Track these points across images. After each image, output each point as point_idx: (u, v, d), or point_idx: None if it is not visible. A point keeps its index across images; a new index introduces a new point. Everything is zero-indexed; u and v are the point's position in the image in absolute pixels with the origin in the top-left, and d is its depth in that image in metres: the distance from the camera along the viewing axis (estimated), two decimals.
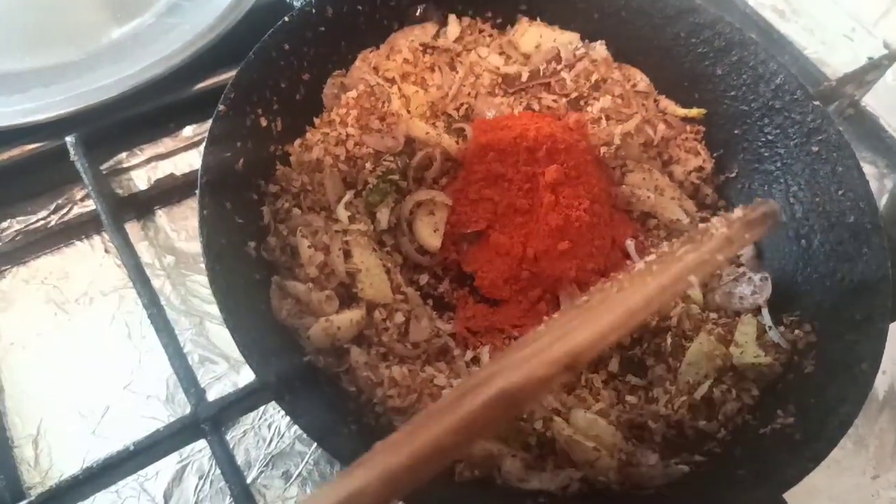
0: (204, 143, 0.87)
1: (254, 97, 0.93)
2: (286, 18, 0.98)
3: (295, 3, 1.15)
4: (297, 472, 1.01)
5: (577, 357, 0.55)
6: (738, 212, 0.68)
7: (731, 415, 0.87)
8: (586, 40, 1.15)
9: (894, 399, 1.14)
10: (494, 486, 0.82)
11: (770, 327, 0.94)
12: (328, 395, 0.83)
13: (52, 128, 1.11)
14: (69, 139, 1.09)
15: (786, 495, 0.79)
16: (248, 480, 0.98)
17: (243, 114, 0.92)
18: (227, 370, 1.07)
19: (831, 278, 0.92)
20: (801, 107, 1.01)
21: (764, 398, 0.89)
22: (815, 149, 0.99)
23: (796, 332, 0.92)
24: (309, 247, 0.89)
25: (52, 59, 1.21)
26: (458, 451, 0.51)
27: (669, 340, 0.95)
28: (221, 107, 0.88)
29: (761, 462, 0.80)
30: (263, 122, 0.95)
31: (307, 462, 1.01)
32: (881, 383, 1.14)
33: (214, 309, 1.13)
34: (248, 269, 0.87)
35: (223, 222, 0.84)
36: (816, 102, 1.00)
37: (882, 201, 1.33)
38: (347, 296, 0.90)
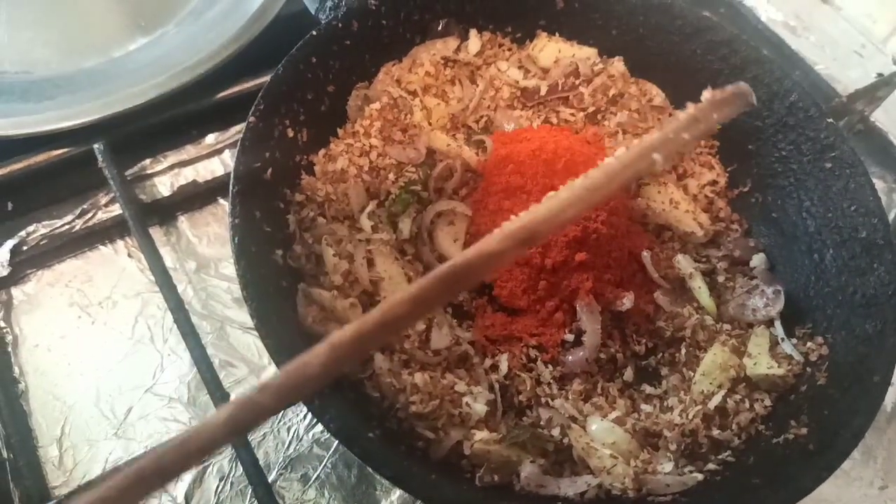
0: (229, 152, 0.89)
1: (282, 108, 0.96)
2: (314, 32, 1.00)
3: (321, 17, 1.17)
4: (315, 475, 1.02)
5: (533, 231, 0.53)
6: (706, 93, 0.64)
7: (744, 424, 0.89)
8: (604, 56, 1.17)
9: None
10: (513, 491, 0.84)
11: (783, 339, 0.96)
12: (352, 400, 0.85)
13: (82, 134, 1.13)
14: (97, 146, 1.11)
15: None
16: (270, 481, 1.00)
17: (272, 124, 0.94)
18: (247, 374, 1.09)
19: (843, 292, 0.94)
20: (815, 124, 1.03)
21: (777, 409, 0.91)
22: (828, 165, 1.01)
23: (809, 344, 0.94)
24: (333, 255, 0.92)
25: (80, 66, 1.24)
26: (408, 322, 0.51)
27: (684, 351, 0.97)
28: (252, 118, 0.91)
29: (775, 471, 0.82)
30: (290, 133, 0.97)
31: (325, 465, 1.03)
32: (890, 395, 1.16)
33: (235, 314, 1.15)
34: (275, 276, 0.89)
35: (253, 231, 0.86)
36: (830, 120, 1.02)
37: (891, 216, 1.35)
38: (370, 303, 0.92)
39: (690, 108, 0.63)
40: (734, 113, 0.65)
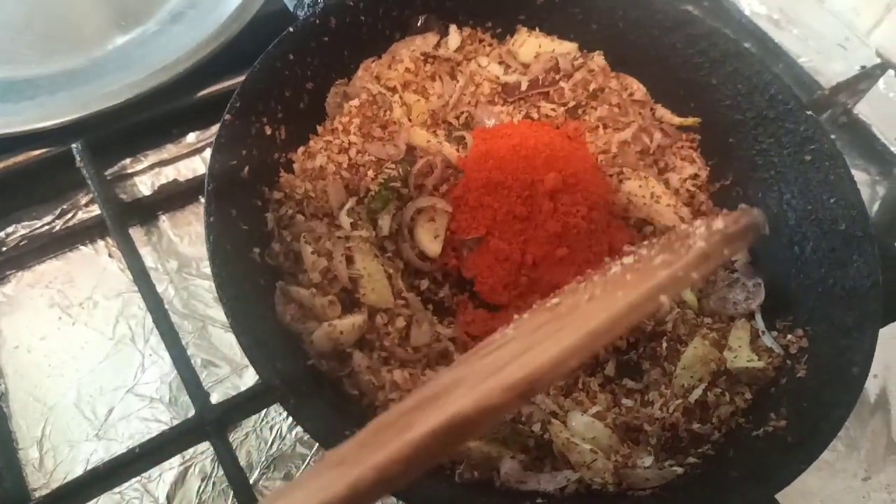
0: (210, 151, 0.89)
1: (259, 106, 0.95)
2: (291, 29, 1.00)
3: (299, 14, 1.16)
4: (298, 474, 1.02)
5: (534, 383, 0.50)
6: (719, 221, 0.61)
7: (724, 418, 0.89)
8: (584, 50, 1.17)
9: (886, 402, 1.15)
10: (493, 487, 0.83)
11: (763, 332, 0.96)
12: (331, 398, 0.84)
13: (60, 134, 1.12)
14: (75, 145, 1.10)
15: (778, 497, 0.81)
16: (250, 482, 1.00)
17: (248, 122, 0.94)
18: (229, 373, 1.08)
19: (823, 284, 0.94)
20: (795, 116, 1.03)
21: (757, 401, 0.91)
22: (808, 158, 1.01)
23: (789, 336, 0.94)
24: (312, 253, 0.91)
25: (59, 66, 1.24)
26: (400, 483, 0.46)
27: (665, 345, 0.97)
28: (228, 115, 0.90)
29: (754, 464, 0.82)
30: (268, 131, 0.97)
31: (308, 464, 1.03)
32: (872, 386, 1.16)
33: (216, 313, 1.15)
34: (252, 274, 0.89)
35: (229, 229, 0.85)
36: (810, 112, 1.02)
37: (874, 208, 1.35)
38: (350, 301, 0.92)
39: (700, 242, 0.59)
40: (745, 246, 0.62)
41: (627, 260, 0.65)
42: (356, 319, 0.89)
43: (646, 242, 0.70)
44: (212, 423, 0.90)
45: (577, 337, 0.53)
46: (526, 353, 0.54)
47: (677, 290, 0.57)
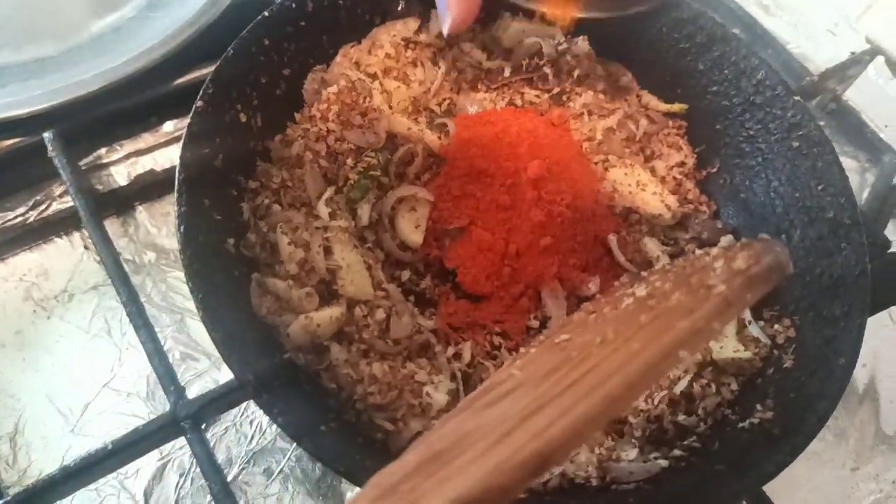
0: (182, 140, 0.86)
1: (233, 93, 0.92)
2: (266, 13, 0.97)
3: None
4: (278, 469, 1.00)
5: (548, 459, 0.47)
6: (740, 261, 0.55)
7: (710, 409, 0.88)
8: (568, 35, 1.14)
9: (874, 392, 1.15)
10: None
11: (750, 322, 0.94)
12: (308, 392, 0.82)
13: (30, 123, 1.09)
14: (47, 135, 1.07)
15: (766, 488, 0.80)
16: (230, 477, 0.98)
17: (222, 109, 0.91)
18: (208, 367, 1.06)
19: (811, 273, 0.93)
20: (782, 102, 1.01)
21: (743, 392, 0.89)
22: (795, 144, 0.99)
23: (776, 326, 0.92)
24: (289, 243, 0.89)
25: (31, 53, 1.20)
26: None
27: None
28: (200, 103, 0.87)
29: (740, 456, 0.80)
30: (243, 118, 0.94)
31: (289, 458, 1.01)
32: (861, 376, 1.15)
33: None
34: (227, 266, 0.86)
35: (201, 219, 0.83)
36: (797, 98, 1.00)
37: (864, 195, 1.34)
38: (328, 293, 0.89)
39: (721, 285, 0.54)
40: (769, 288, 0.56)
41: (640, 292, 0.61)
42: (334, 311, 0.87)
43: (658, 267, 0.65)
44: (187, 419, 0.88)
45: (593, 403, 0.49)
46: (537, 414, 0.50)
47: (698, 344, 0.53)
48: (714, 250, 0.61)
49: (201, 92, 0.88)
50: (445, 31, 1.01)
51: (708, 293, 0.54)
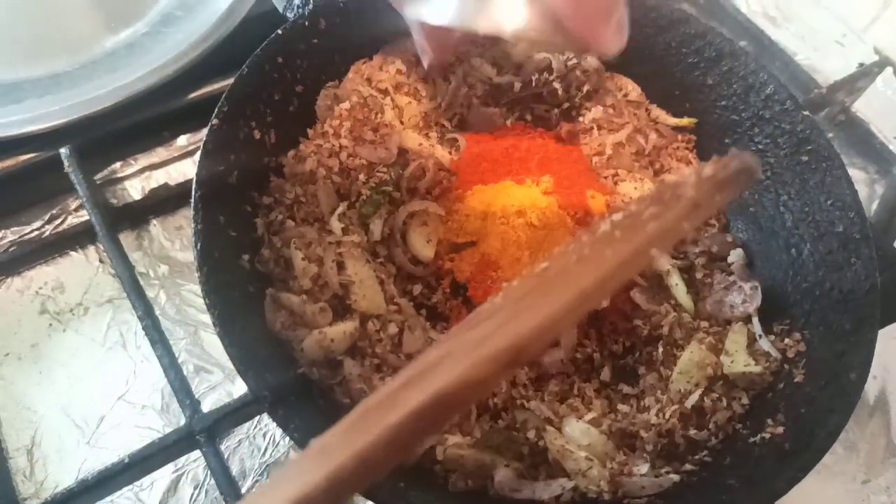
0: (198, 156, 0.87)
1: (247, 110, 0.94)
2: (279, 31, 0.98)
3: (288, 15, 1.15)
4: None
5: (519, 352, 0.48)
6: (709, 168, 0.57)
7: (721, 423, 0.88)
8: None
9: (885, 404, 1.15)
10: (487, 496, 0.82)
11: (760, 336, 0.94)
12: (322, 407, 0.83)
13: (47, 138, 1.11)
14: (63, 150, 1.09)
15: (777, 502, 0.80)
16: (244, 490, 0.99)
17: (237, 126, 0.92)
18: (222, 379, 1.07)
19: (821, 287, 0.93)
20: (791, 117, 1.01)
21: (754, 407, 0.90)
22: (804, 158, 0.99)
23: (786, 340, 0.93)
24: (303, 259, 0.90)
25: (46, 69, 1.22)
26: (383, 469, 0.45)
27: (661, 349, 0.96)
28: (215, 120, 0.89)
29: (751, 471, 0.81)
30: (257, 135, 0.95)
31: None
32: (872, 388, 1.15)
33: (209, 318, 1.12)
34: (242, 281, 0.87)
35: (217, 236, 0.84)
36: (806, 112, 1.01)
37: (873, 207, 1.34)
38: (341, 307, 0.90)
39: (690, 191, 0.55)
40: (738, 192, 0.57)
41: (616, 217, 0.62)
42: (347, 326, 0.88)
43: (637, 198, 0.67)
44: (202, 432, 0.89)
45: (564, 299, 0.50)
46: (511, 321, 0.51)
47: (668, 242, 0.56)
48: (687, 170, 0.60)
49: (216, 110, 0.89)
50: (426, 67, 1.04)
51: (678, 200, 0.55)
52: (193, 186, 0.83)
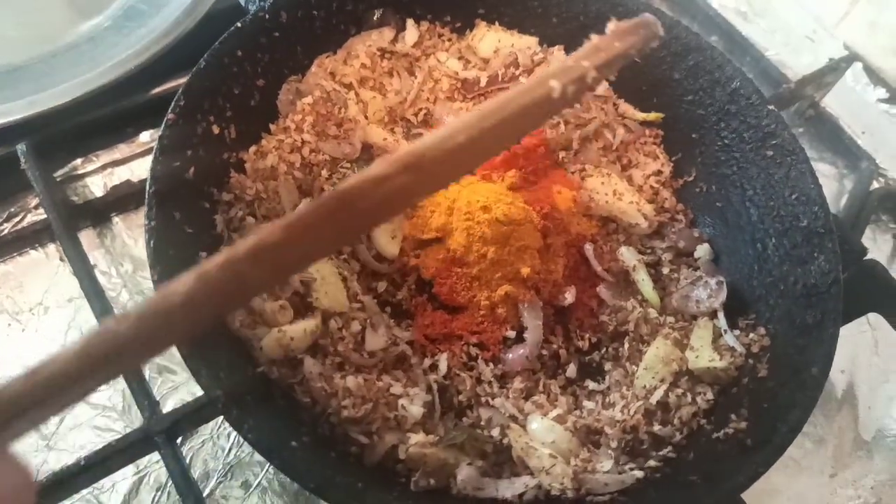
0: (153, 153, 0.86)
1: (205, 104, 0.92)
2: (239, 24, 0.97)
3: (250, 8, 1.13)
4: (256, 482, 1.00)
5: (420, 155, 0.49)
6: (612, 24, 0.64)
7: (686, 419, 0.88)
8: (545, 45, 1.14)
9: (852, 397, 1.15)
10: (450, 495, 0.82)
11: (725, 331, 0.94)
12: (281, 407, 0.82)
13: (3, 134, 1.08)
14: (20, 147, 1.07)
15: (745, 495, 0.80)
16: (207, 491, 0.97)
17: (194, 121, 0.90)
18: (185, 380, 1.05)
19: (785, 282, 0.93)
20: (756, 111, 1.01)
21: (719, 402, 0.90)
22: (769, 153, 0.99)
23: (751, 335, 0.93)
24: None
25: (3, 62, 1.19)
26: (284, 257, 0.45)
27: (627, 345, 0.96)
28: (171, 115, 0.87)
29: (713, 467, 0.80)
30: (216, 130, 0.93)
31: (267, 471, 1.00)
32: (839, 382, 1.16)
33: None
34: None
35: (172, 233, 0.82)
36: (771, 107, 1.00)
37: (842, 202, 1.34)
38: (302, 305, 0.89)
39: (593, 38, 0.62)
40: (639, 44, 0.64)
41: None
42: (308, 324, 0.86)
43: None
44: (160, 434, 0.87)
45: (465, 119, 0.53)
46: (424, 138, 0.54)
47: (569, 77, 0.58)
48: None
49: (172, 104, 0.88)
50: None
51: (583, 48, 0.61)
52: (147, 182, 0.82)
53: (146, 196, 0.81)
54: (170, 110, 0.87)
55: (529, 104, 0.55)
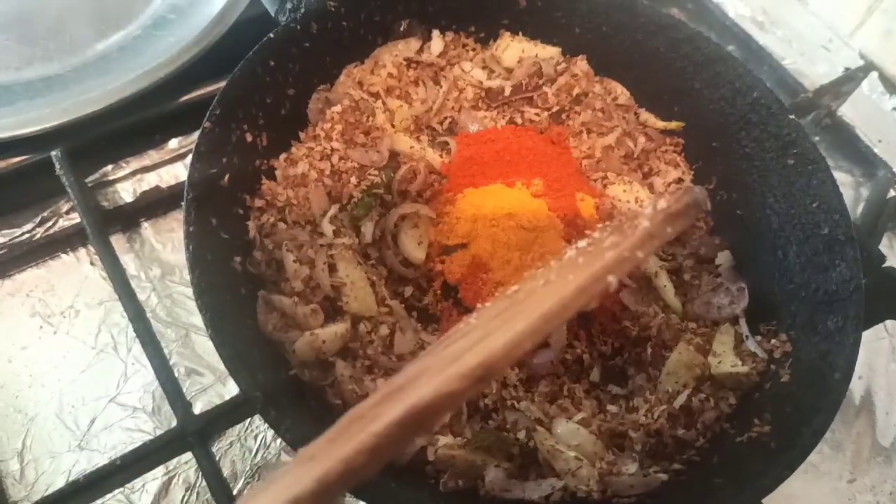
0: (190, 159, 0.88)
1: (239, 113, 0.94)
2: (271, 35, 0.99)
3: (280, 19, 1.15)
4: None
5: (489, 368, 0.52)
6: (663, 201, 0.64)
7: (709, 423, 0.89)
8: (568, 55, 1.16)
9: (870, 403, 1.16)
10: (478, 496, 0.83)
11: (747, 336, 0.96)
12: (314, 408, 0.84)
13: (38, 141, 1.11)
14: (54, 153, 1.09)
15: (764, 501, 0.81)
16: (235, 492, 0.99)
17: (229, 129, 0.93)
18: (213, 382, 1.07)
19: (806, 289, 0.94)
20: (777, 120, 1.03)
21: (741, 407, 0.91)
22: (790, 161, 1.01)
23: (773, 341, 0.94)
24: (294, 261, 0.90)
25: (38, 71, 1.22)
26: (368, 472, 0.49)
27: (650, 350, 0.97)
28: (207, 123, 0.89)
29: (738, 470, 0.82)
30: (249, 138, 0.96)
31: None
32: (857, 388, 1.17)
33: (200, 320, 1.11)
34: (234, 283, 0.88)
35: (208, 238, 0.84)
36: (792, 116, 1.02)
37: (858, 209, 1.36)
38: (332, 309, 0.91)
39: (645, 222, 0.62)
40: (687, 224, 0.65)
41: (581, 244, 0.68)
42: (339, 328, 0.88)
43: (599, 226, 0.73)
44: (194, 434, 0.89)
45: (529, 321, 0.55)
46: (483, 340, 0.56)
47: (624, 269, 0.60)
48: (646, 201, 0.67)
49: (208, 113, 0.90)
50: None
51: (634, 230, 0.62)
52: (185, 189, 0.84)
53: (184, 202, 0.83)
54: (206, 118, 0.89)
55: (587, 301, 0.58)
